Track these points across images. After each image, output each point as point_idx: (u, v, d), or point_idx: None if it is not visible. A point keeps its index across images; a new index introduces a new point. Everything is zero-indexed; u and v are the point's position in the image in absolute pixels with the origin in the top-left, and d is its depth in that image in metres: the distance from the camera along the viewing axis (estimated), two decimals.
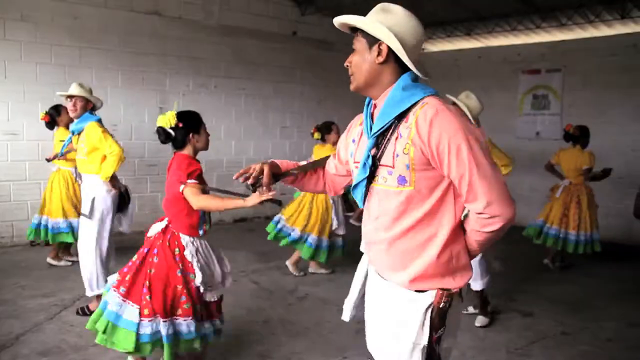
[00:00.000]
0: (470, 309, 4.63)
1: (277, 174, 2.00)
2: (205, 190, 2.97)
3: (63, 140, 5.31)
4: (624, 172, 6.68)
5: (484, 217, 1.66)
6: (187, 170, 2.96)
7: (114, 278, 3.10)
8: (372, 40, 1.73)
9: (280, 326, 4.27)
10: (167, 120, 3.03)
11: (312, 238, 5.37)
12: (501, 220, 1.65)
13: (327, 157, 2.16)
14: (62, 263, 5.67)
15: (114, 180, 4.32)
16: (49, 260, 5.69)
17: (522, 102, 8.70)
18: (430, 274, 1.72)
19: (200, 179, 3.01)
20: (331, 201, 5.45)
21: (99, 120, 4.37)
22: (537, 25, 8.08)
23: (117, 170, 4.26)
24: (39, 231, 5.51)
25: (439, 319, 1.70)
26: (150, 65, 7.51)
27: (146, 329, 2.90)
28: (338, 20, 1.81)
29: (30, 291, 4.88)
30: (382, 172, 1.75)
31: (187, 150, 3.10)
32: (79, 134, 4.44)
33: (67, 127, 5.44)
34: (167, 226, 3.09)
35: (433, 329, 1.70)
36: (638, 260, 6.48)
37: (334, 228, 5.45)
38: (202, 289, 3.03)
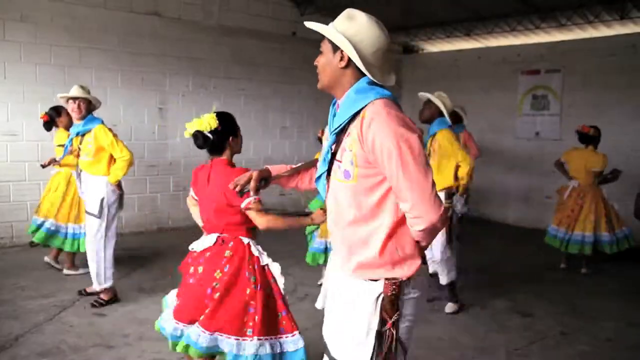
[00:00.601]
0: (448, 308, 4.75)
1: (267, 178, 2.19)
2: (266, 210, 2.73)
3: (63, 145, 5.17)
4: (624, 172, 6.67)
5: (410, 216, 1.80)
6: None
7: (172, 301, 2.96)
8: (336, 46, 1.87)
9: None
10: (207, 123, 2.79)
11: None
12: (424, 222, 1.78)
13: (317, 159, 2.25)
14: (81, 271, 5.39)
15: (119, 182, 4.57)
16: (66, 271, 5.45)
17: (522, 102, 8.70)
18: (378, 264, 1.85)
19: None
20: None
21: (103, 123, 4.55)
22: (536, 26, 8.08)
23: (126, 174, 4.49)
24: (43, 233, 5.33)
25: (391, 306, 1.84)
26: (149, 65, 7.51)
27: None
28: (309, 26, 1.95)
29: (29, 292, 4.88)
30: (334, 166, 1.92)
31: (226, 155, 2.91)
32: (82, 135, 4.53)
33: (66, 128, 5.42)
34: (221, 238, 2.86)
35: (387, 315, 1.84)
36: (638, 261, 6.49)
37: None
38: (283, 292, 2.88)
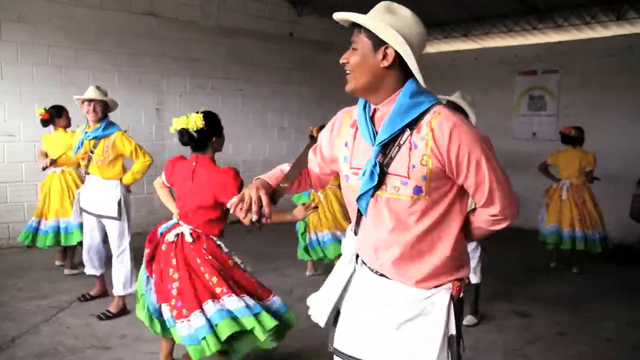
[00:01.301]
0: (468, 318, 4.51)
1: (273, 197, 1.86)
2: None
3: (70, 146, 5.07)
4: (621, 172, 6.69)
5: (497, 218, 1.76)
6: (237, 183, 2.97)
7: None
8: (378, 43, 1.64)
9: None
10: (193, 122, 2.98)
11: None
12: (510, 219, 1.78)
13: (306, 156, 2.06)
14: (81, 270, 5.32)
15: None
16: (67, 271, 5.48)
17: (519, 103, 8.72)
18: (445, 271, 1.78)
19: None
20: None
21: (120, 129, 4.51)
22: (533, 27, 8.10)
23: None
24: (59, 234, 5.33)
25: (460, 307, 1.79)
26: (147, 66, 7.50)
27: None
28: (341, 16, 1.69)
29: (26, 293, 4.87)
30: (392, 181, 1.70)
31: (209, 153, 3.10)
32: (98, 139, 4.41)
33: (64, 129, 5.42)
34: (195, 232, 3.08)
35: (459, 317, 1.78)
36: (634, 261, 6.49)
37: None
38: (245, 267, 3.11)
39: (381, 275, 1.84)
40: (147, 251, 3.19)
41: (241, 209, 1.74)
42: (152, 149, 7.53)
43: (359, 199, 1.77)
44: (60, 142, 5.31)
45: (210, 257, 2.99)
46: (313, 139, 5.39)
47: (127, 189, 4.58)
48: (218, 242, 3.10)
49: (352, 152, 1.82)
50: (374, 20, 1.64)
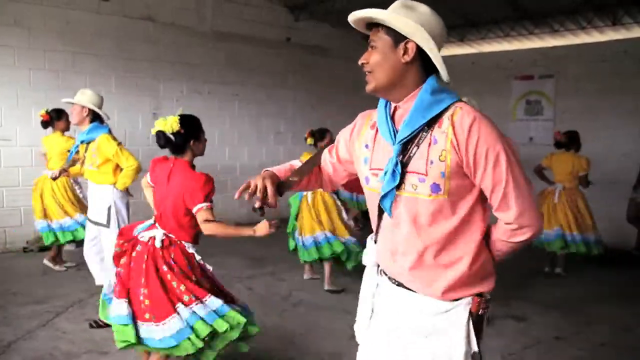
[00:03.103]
0: None
1: (279, 189, 1.86)
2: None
3: (68, 151, 5.15)
4: (615, 176, 6.71)
5: (513, 227, 1.66)
6: (205, 190, 2.92)
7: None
8: (398, 38, 1.62)
9: (274, 332, 4.24)
10: (170, 125, 2.94)
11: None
12: (530, 231, 1.66)
13: (319, 155, 2.06)
14: (57, 268, 5.63)
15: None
16: (46, 262, 5.64)
17: (515, 107, 8.74)
18: (464, 283, 1.70)
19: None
20: (333, 197, 5.45)
21: (109, 132, 4.43)
22: (529, 32, 8.14)
23: (134, 181, 4.40)
24: (53, 233, 5.44)
25: (482, 323, 1.71)
26: (143, 70, 7.51)
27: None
28: (360, 15, 1.67)
29: (22, 298, 4.85)
30: (410, 179, 1.65)
31: (187, 157, 3.06)
32: (87, 143, 4.43)
33: (62, 132, 5.47)
34: (167, 237, 3.01)
35: (479, 334, 1.70)
36: (630, 265, 6.51)
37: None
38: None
39: (399, 285, 1.79)
40: (117, 249, 3.18)
41: (249, 195, 1.78)
42: (149, 154, 7.52)
43: (382, 199, 1.71)
44: (56, 144, 5.40)
45: (175, 264, 2.94)
46: (311, 145, 5.42)
47: (126, 195, 4.55)
48: (190, 250, 3.03)
49: (373, 153, 1.79)
50: (395, 16, 1.62)
